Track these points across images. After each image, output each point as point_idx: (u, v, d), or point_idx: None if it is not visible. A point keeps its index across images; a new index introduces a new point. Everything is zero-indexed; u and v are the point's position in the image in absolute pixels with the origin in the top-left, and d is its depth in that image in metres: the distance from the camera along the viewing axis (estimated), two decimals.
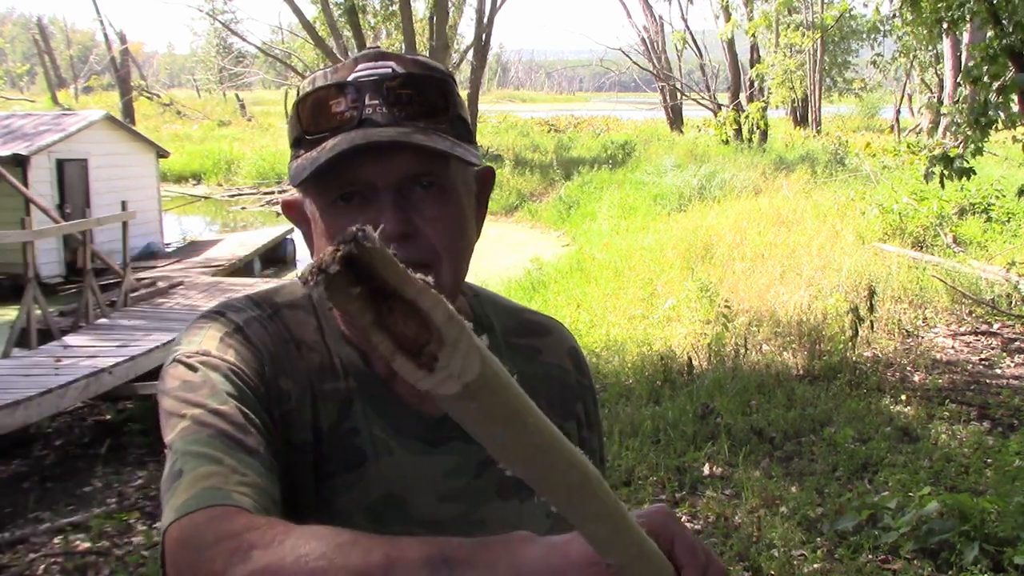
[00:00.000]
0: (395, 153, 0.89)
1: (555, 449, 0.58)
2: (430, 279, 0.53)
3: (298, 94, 0.95)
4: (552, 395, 1.06)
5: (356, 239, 0.51)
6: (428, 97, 0.91)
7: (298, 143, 0.93)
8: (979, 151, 6.53)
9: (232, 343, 0.92)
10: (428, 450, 0.96)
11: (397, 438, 0.95)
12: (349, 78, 0.91)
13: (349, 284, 0.51)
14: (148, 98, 43.25)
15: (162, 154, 15.70)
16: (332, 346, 0.97)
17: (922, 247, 10.64)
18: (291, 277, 13.78)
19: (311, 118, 0.91)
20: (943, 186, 7.03)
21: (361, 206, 0.90)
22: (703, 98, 30.95)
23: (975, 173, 6.68)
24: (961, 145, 6.68)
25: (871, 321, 7.25)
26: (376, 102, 0.89)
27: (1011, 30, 5.72)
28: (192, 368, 0.90)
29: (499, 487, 0.98)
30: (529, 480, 0.59)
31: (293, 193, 1.00)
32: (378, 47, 0.98)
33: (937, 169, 6.49)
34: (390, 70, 0.91)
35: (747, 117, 14.18)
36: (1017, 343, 7.38)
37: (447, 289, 0.93)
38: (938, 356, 7.04)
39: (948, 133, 8.48)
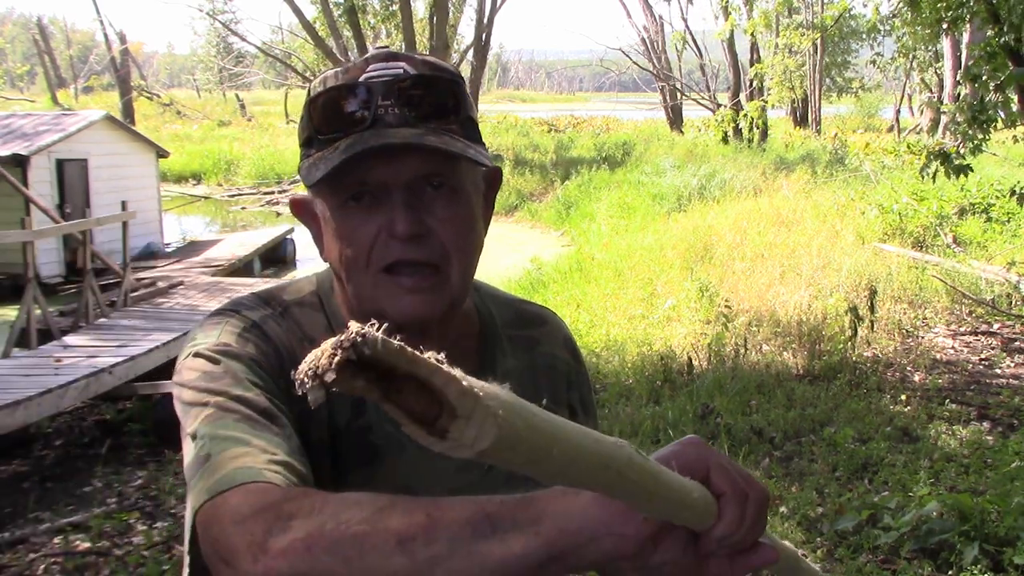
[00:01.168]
0: (406, 154, 0.89)
1: (583, 459, 0.57)
2: (442, 356, 0.52)
3: (309, 94, 0.95)
4: (549, 384, 1.08)
5: (355, 345, 0.49)
6: (439, 98, 0.92)
7: (310, 143, 0.93)
8: (977, 149, 6.53)
9: (251, 338, 0.93)
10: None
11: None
12: (361, 78, 0.91)
13: (352, 378, 0.49)
14: (148, 98, 43.26)
15: (162, 154, 15.69)
16: None
17: (922, 247, 10.63)
18: (291, 277, 13.80)
19: (323, 118, 0.91)
20: (934, 180, 7.03)
21: (372, 207, 0.91)
22: (703, 98, 30.95)
23: (972, 170, 6.68)
24: (961, 143, 6.68)
25: (871, 321, 7.25)
26: (388, 103, 0.89)
27: (1006, 29, 5.73)
28: (212, 360, 0.89)
29: (507, 477, 0.99)
30: (562, 484, 0.60)
31: (301, 192, 1.01)
32: (388, 47, 0.98)
33: (933, 165, 6.49)
34: (401, 71, 0.91)
35: (745, 115, 14.21)
36: (1017, 343, 7.38)
37: (457, 289, 0.94)
38: (938, 356, 7.04)
39: (948, 132, 8.49)
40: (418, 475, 0.96)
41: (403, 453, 0.96)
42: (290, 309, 0.99)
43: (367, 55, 0.95)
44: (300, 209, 1.00)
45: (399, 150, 0.88)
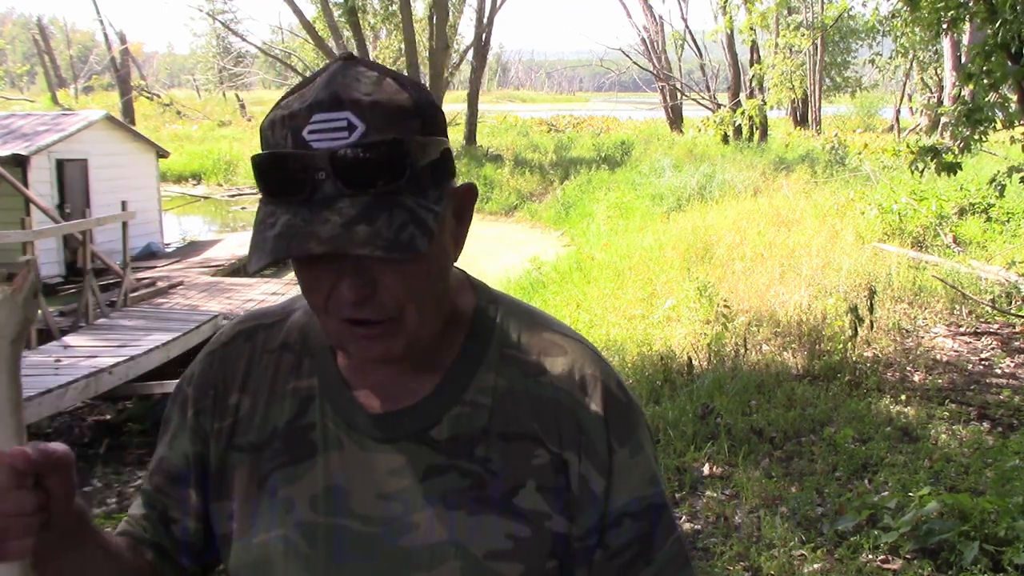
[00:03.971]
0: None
1: None
2: None
3: (260, 134, 0.93)
4: (549, 419, 0.98)
5: None
6: (385, 162, 0.86)
7: (263, 198, 0.92)
8: (968, 148, 6.53)
9: (199, 371, 1.08)
10: (376, 447, 0.97)
11: (349, 433, 0.98)
12: (303, 133, 0.87)
13: None
14: (148, 98, 43.25)
15: (162, 154, 15.71)
16: (310, 344, 1.04)
17: (922, 247, 10.64)
18: (291, 276, 13.79)
19: (265, 182, 0.89)
20: (922, 175, 7.04)
21: (324, 268, 0.90)
22: (703, 98, 30.97)
23: (961, 168, 6.68)
24: (961, 144, 6.68)
25: (871, 321, 7.25)
26: (324, 176, 0.86)
27: (999, 26, 5.72)
28: (172, 398, 1.11)
29: (447, 495, 0.95)
30: None
31: None
32: (348, 57, 0.94)
33: (923, 162, 6.51)
34: (345, 123, 0.86)
35: (742, 113, 14.20)
36: (1017, 343, 7.38)
37: (414, 332, 0.93)
38: (938, 356, 7.04)
39: (946, 133, 8.49)
40: (349, 473, 0.97)
41: (340, 451, 0.98)
42: (277, 323, 1.09)
43: (311, 98, 0.89)
44: None
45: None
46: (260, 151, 0.92)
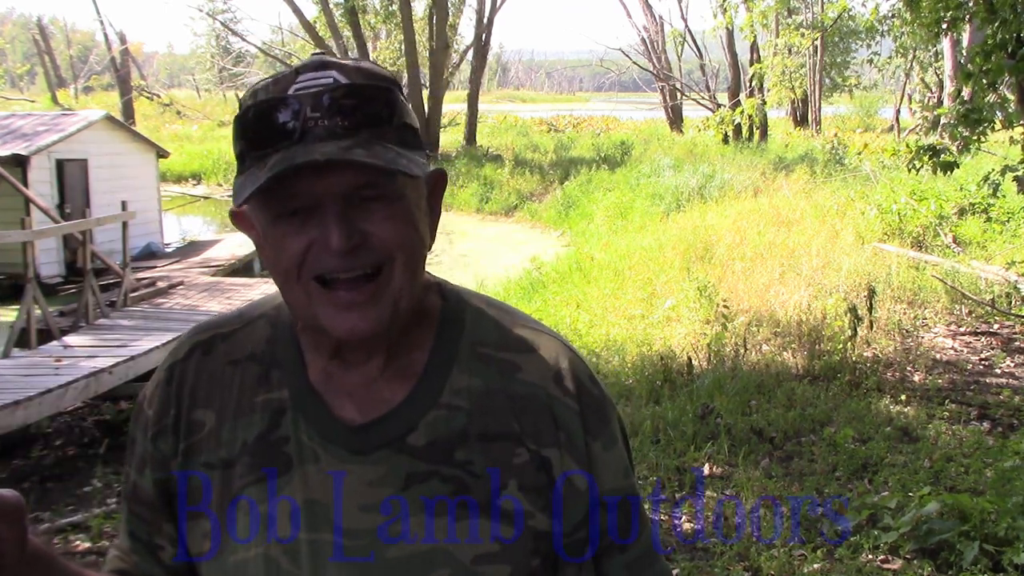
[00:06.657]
0: (338, 168, 0.86)
1: None
2: None
3: (240, 106, 0.92)
4: (528, 417, 0.97)
5: None
6: (371, 107, 0.88)
7: (242, 158, 0.91)
8: (967, 148, 6.55)
9: (158, 394, 1.03)
10: (353, 458, 0.95)
11: (325, 445, 0.95)
12: (290, 91, 0.88)
13: None
14: (148, 98, 43.26)
15: (162, 154, 15.71)
16: (278, 355, 1.01)
17: (922, 247, 10.63)
18: None
19: (253, 133, 0.89)
20: (918, 172, 7.07)
21: (305, 220, 0.89)
22: (703, 98, 30.96)
23: (958, 167, 6.70)
24: (960, 144, 6.70)
25: (871, 321, 7.25)
26: (317, 115, 0.86)
27: (999, 27, 5.74)
28: (134, 419, 1.06)
29: (430, 502, 0.94)
30: None
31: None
32: (322, 54, 0.94)
33: (919, 161, 6.53)
34: (331, 80, 0.88)
35: (741, 112, 14.20)
36: (1017, 343, 7.38)
37: (398, 291, 0.91)
38: (938, 356, 7.04)
39: (944, 133, 8.51)
40: (328, 487, 0.95)
41: (316, 464, 0.95)
42: (234, 334, 1.04)
43: (298, 64, 0.92)
44: (239, 220, 0.99)
45: (327, 164, 0.85)
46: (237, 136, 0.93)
